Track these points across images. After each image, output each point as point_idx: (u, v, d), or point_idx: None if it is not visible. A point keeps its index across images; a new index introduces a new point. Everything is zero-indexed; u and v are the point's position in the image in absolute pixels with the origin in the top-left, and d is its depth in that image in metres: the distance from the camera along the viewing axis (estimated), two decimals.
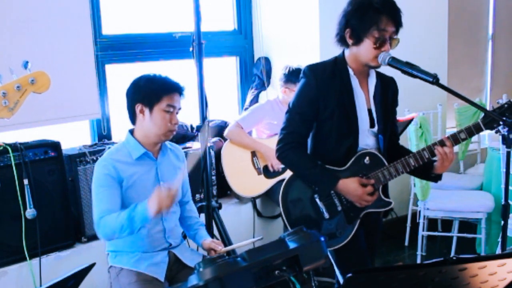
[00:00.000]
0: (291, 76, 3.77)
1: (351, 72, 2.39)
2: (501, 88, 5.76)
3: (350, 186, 2.36)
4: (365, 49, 2.31)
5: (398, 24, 2.29)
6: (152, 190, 2.42)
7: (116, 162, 2.43)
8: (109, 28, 3.72)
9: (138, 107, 2.45)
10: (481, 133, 5.10)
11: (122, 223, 2.26)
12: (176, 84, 2.49)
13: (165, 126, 2.44)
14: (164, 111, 2.42)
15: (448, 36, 4.92)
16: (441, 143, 2.36)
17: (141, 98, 2.44)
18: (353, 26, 2.31)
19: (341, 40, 2.39)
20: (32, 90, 1.65)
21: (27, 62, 1.69)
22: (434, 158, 2.39)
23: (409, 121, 3.86)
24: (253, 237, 3.87)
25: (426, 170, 2.45)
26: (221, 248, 2.54)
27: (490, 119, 2.31)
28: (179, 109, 2.50)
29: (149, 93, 2.43)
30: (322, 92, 2.36)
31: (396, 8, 2.30)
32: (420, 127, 3.87)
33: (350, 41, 2.35)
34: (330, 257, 2.47)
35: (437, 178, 2.49)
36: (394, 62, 2.28)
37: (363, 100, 2.42)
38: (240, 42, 4.43)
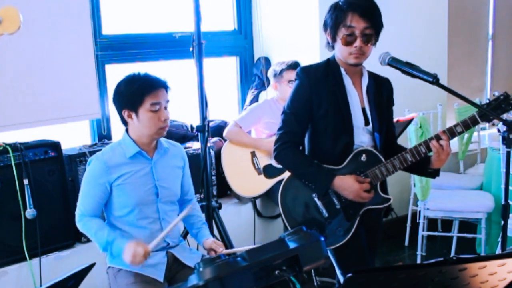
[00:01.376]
0: (276, 69, 3.86)
1: (343, 71, 2.43)
2: (501, 88, 5.72)
3: (346, 182, 2.38)
4: (338, 48, 2.40)
5: (370, 19, 2.31)
6: (146, 190, 2.46)
7: (108, 163, 2.44)
8: (109, 28, 3.72)
9: (125, 113, 2.45)
10: (481, 133, 5.12)
11: (98, 241, 2.44)
12: (156, 80, 2.44)
13: (155, 125, 2.42)
14: (149, 111, 2.40)
15: (448, 36, 4.92)
16: (437, 137, 2.36)
17: (125, 104, 2.43)
18: (328, 28, 2.41)
19: (327, 44, 2.48)
20: (1, 31, 1.39)
21: None
22: (431, 153, 2.39)
23: (409, 121, 3.86)
24: (254, 237, 3.89)
25: (423, 165, 2.45)
26: (221, 250, 2.54)
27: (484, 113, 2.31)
28: (167, 102, 2.46)
29: (130, 97, 2.41)
30: (315, 92, 2.40)
31: (363, 4, 2.33)
32: (420, 127, 3.87)
33: (331, 43, 2.44)
34: (331, 256, 2.48)
35: (434, 173, 2.48)
36: (394, 62, 2.28)
37: (357, 99, 2.44)
38: (240, 42, 4.43)
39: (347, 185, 2.37)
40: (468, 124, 2.35)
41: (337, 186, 2.39)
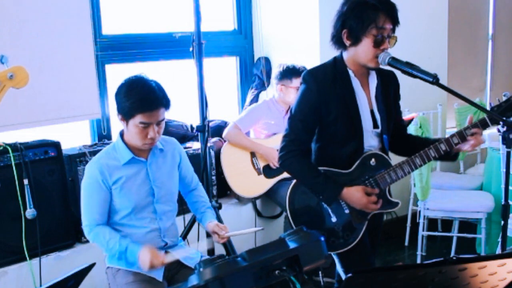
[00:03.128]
0: (286, 72, 3.80)
1: (351, 73, 2.36)
2: (501, 88, 5.76)
3: (354, 195, 2.34)
4: (364, 49, 2.28)
5: (395, 21, 2.27)
6: (143, 191, 2.47)
7: (104, 167, 2.43)
8: (109, 28, 3.72)
9: (119, 116, 2.43)
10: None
11: (112, 251, 2.43)
12: (154, 100, 2.34)
13: (140, 140, 2.39)
14: (138, 126, 2.36)
15: (448, 36, 4.92)
16: (475, 126, 2.29)
17: (119, 110, 2.41)
18: (351, 26, 2.28)
19: (338, 42, 2.35)
20: (10, 85, 1.59)
21: (3, 56, 1.64)
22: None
23: (409, 121, 3.87)
24: (254, 238, 3.88)
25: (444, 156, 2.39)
26: (224, 233, 2.52)
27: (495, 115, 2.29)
28: (161, 120, 2.38)
29: (124, 107, 2.37)
30: (323, 97, 2.33)
31: (393, 5, 2.28)
32: (420, 127, 3.87)
33: (347, 42, 2.31)
34: (335, 256, 2.48)
35: (455, 156, 2.42)
36: (394, 62, 2.26)
37: (365, 101, 2.39)
38: (240, 42, 4.43)
39: (355, 197, 2.35)
40: (486, 123, 2.30)
41: (345, 197, 2.36)
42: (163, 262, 2.35)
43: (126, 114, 2.38)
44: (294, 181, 2.49)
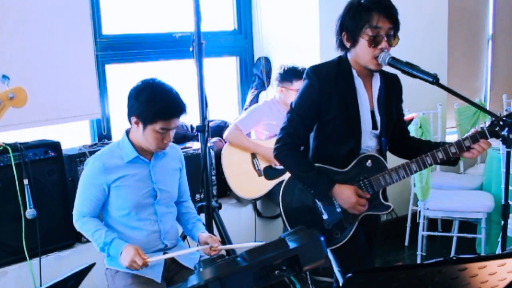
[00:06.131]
0: (287, 74, 3.78)
1: (354, 73, 2.37)
2: (501, 88, 5.76)
3: (344, 192, 2.35)
4: (362, 50, 2.29)
5: (393, 20, 2.26)
6: (144, 193, 2.46)
7: (106, 164, 2.44)
8: (109, 28, 3.72)
9: (133, 119, 2.42)
10: None
11: (96, 242, 2.44)
12: (176, 108, 2.39)
13: (156, 145, 2.41)
14: (157, 132, 2.37)
15: (448, 36, 4.92)
16: (474, 138, 2.31)
17: (137, 113, 2.39)
18: (347, 28, 2.31)
19: (341, 45, 2.38)
20: (10, 105, 1.68)
21: (4, 76, 1.72)
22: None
23: (409, 121, 3.86)
24: (254, 238, 3.89)
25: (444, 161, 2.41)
26: (217, 245, 2.51)
27: (495, 128, 2.28)
28: (176, 127, 2.44)
29: (145, 112, 2.36)
30: (324, 95, 2.34)
31: (387, 3, 2.28)
32: (420, 127, 3.87)
33: (347, 44, 2.34)
34: (331, 257, 2.48)
35: (456, 161, 2.44)
36: (394, 62, 2.26)
37: (366, 102, 2.40)
38: (240, 42, 4.43)
39: (344, 195, 2.35)
40: (481, 136, 2.31)
41: (335, 194, 2.37)
42: (146, 261, 2.31)
43: (146, 119, 2.37)
44: (288, 177, 2.50)
